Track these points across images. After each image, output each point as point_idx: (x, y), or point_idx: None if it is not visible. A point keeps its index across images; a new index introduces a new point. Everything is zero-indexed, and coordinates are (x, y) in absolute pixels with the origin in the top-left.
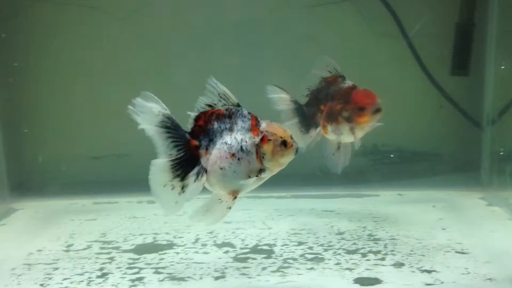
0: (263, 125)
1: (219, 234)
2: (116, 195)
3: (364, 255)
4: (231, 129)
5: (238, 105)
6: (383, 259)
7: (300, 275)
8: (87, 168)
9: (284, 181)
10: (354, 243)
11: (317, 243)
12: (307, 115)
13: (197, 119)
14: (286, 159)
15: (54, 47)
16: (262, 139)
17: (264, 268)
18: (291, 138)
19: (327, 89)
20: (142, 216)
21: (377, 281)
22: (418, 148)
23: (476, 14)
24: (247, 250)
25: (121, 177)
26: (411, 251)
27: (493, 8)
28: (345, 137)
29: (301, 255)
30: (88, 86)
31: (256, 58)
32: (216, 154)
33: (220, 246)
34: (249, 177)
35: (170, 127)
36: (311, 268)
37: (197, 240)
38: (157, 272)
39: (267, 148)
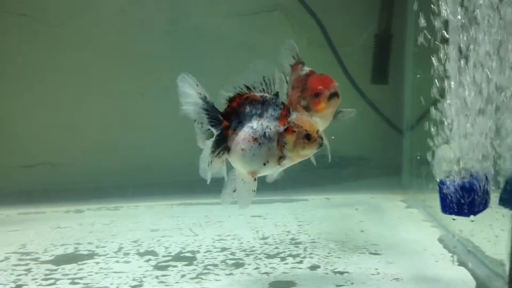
0: (293, 116)
1: (143, 243)
2: (43, 205)
3: (283, 259)
4: (260, 115)
5: (276, 94)
6: (300, 262)
7: (218, 281)
8: (18, 178)
9: (215, 187)
10: (276, 247)
11: (240, 249)
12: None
13: (231, 100)
14: (307, 152)
15: None
16: (286, 129)
17: (183, 276)
18: (317, 133)
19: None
20: (67, 226)
21: (291, 284)
22: (345, 153)
23: (394, 26)
24: (169, 258)
25: (50, 186)
26: (328, 253)
27: (410, 20)
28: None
29: (222, 261)
30: (20, 94)
31: (190, 64)
32: (240, 136)
33: (142, 254)
34: (267, 162)
35: (206, 108)
36: (230, 274)
37: (120, 249)
38: (73, 283)
39: (289, 138)
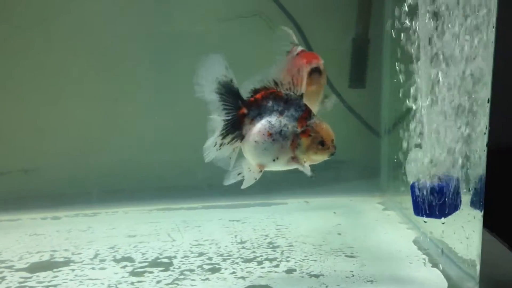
0: (312, 120)
1: (120, 249)
2: (20, 212)
3: (260, 263)
4: (281, 113)
5: (301, 96)
6: (277, 266)
7: (194, 286)
8: None
9: (194, 191)
10: (253, 252)
11: (217, 253)
12: None
13: (256, 92)
14: (318, 158)
15: None
16: (303, 131)
17: (159, 281)
18: (331, 142)
19: None
20: (43, 233)
21: None
22: None
23: (371, 31)
24: (146, 264)
25: (26, 193)
26: (305, 256)
27: (387, 25)
28: None
29: (199, 266)
30: None
31: (170, 70)
32: (256, 127)
33: (119, 261)
34: (277, 158)
35: (225, 92)
36: (206, 279)
37: (96, 256)
38: None
39: (304, 140)
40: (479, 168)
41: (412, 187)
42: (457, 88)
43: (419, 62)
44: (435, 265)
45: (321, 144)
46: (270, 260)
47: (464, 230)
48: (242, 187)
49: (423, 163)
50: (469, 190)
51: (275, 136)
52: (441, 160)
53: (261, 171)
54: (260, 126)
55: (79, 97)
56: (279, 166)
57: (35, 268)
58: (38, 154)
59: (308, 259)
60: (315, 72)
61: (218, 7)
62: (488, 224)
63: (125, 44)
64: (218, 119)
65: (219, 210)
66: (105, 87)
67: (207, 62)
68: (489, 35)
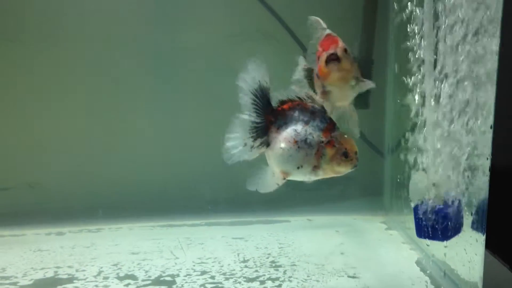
0: (337, 132)
1: (123, 266)
2: (24, 227)
3: (262, 282)
4: (307, 122)
5: (323, 108)
6: (279, 285)
7: None
8: None
9: (197, 208)
10: (256, 271)
11: (220, 272)
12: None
13: (283, 102)
14: (342, 169)
15: None
16: (328, 142)
17: None
18: (355, 154)
19: None
20: (48, 249)
21: None
22: None
23: (375, 52)
24: (149, 282)
25: (31, 208)
26: (308, 276)
27: (391, 46)
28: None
29: (201, 285)
30: (1, 116)
31: (175, 86)
32: (282, 135)
33: (122, 278)
34: (301, 166)
35: (260, 96)
36: None
37: (99, 273)
38: None
39: (329, 150)
40: (481, 191)
41: (415, 209)
42: (460, 112)
43: (423, 83)
44: (437, 287)
45: (345, 155)
46: (273, 280)
47: (467, 253)
48: (262, 191)
49: (427, 186)
50: (471, 213)
51: (300, 144)
52: (444, 183)
53: (284, 178)
54: (286, 134)
55: (83, 113)
56: (302, 175)
57: (39, 285)
58: (42, 169)
59: (310, 279)
60: (332, 59)
61: (220, 24)
62: (490, 245)
63: (130, 59)
64: (247, 121)
65: (221, 227)
66: (110, 104)
67: (252, 64)
68: (493, 64)
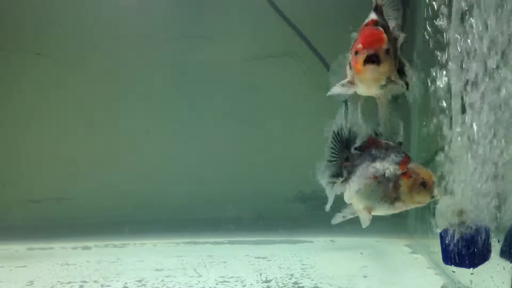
0: (412, 164)
1: (147, 283)
2: (52, 240)
3: None
4: (383, 159)
5: (400, 144)
6: None
7: None
8: (26, 212)
9: (221, 225)
10: None
11: None
12: None
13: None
14: (421, 199)
15: None
16: (404, 173)
17: None
18: (432, 182)
19: None
20: (74, 263)
21: None
22: None
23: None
24: None
25: (58, 221)
26: None
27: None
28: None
29: None
30: (27, 129)
31: (201, 104)
32: (362, 173)
33: None
34: (382, 200)
35: (340, 140)
36: None
37: None
38: None
39: (405, 182)
40: (509, 217)
41: (441, 235)
42: (488, 139)
43: (451, 110)
44: None
45: (423, 184)
46: None
47: (493, 281)
48: (363, 226)
49: (453, 212)
50: (498, 241)
51: (380, 179)
52: (472, 209)
53: (369, 213)
54: (365, 171)
55: (112, 129)
56: (385, 209)
57: None
58: (71, 183)
59: None
60: (370, 61)
61: (248, 45)
62: None
63: (158, 77)
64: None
65: (245, 246)
66: (138, 120)
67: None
68: None
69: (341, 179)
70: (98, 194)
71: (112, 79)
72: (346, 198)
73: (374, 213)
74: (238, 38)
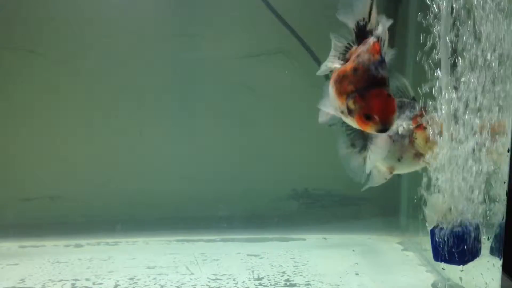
0: (427, 116)
1: (139, 281)
2: (44, 238)
3: None
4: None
5: (413, 99)
6: None
7: None
8: (18, 210)
9: (214, 223)
10: None
11: None
12: None
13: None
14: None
15: None
16: (417, 126)
17: None
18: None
19: None
20: (66, 260)
21: None
22: (344, 193)
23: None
24: None
25: (51, 220)
26: None
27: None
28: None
29: None
30: (19, 127)
31: (193, 103)
32: (377, 135)
33: None
34: (402, 157)
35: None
36: None
37: (116, 286)
38: None
39: (419, 134)
40: (499, 215)
41: (432, 232)
42: (477, 137)
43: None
44: None
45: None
46: None
47: (483, 278)
48: (370, 184)
49: (443, 209)
50: (488, 238)
51: (394, 137)
52: (462, 207)
53: (391, 173)
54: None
55: (104, 128)
56: (406, 166)
57: None
58: (63, 182)
59: None
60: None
61: (240, 43)
62: (507, 270)
63: (150, 76)
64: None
65: (237, 244)
66: (130, 119)
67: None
68: (510, 90)
69: (357, 149)
70: (91, 192)
71: (105, 78)
72: (368, 167)
73: (398, 172)
74: (230, 36)
